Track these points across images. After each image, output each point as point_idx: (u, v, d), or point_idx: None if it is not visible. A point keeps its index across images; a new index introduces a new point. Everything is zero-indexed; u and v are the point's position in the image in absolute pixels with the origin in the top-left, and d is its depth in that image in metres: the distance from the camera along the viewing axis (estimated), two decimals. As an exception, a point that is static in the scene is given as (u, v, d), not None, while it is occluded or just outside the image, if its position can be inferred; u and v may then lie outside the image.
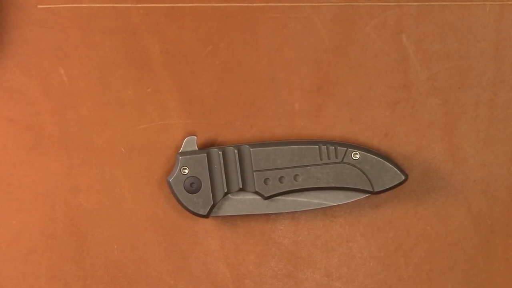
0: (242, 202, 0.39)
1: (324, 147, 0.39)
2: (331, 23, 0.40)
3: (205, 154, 0.39)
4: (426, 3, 0.41)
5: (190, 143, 0.39)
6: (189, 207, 0.39)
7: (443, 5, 0.41)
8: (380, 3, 0.41)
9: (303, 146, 0.39)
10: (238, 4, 0.40)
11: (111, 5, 0.40)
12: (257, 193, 0.39)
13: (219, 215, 0.39)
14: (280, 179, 0.39)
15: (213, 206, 0.39)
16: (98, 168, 0.40)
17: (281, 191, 0.39)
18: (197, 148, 0.39)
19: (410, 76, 0.41)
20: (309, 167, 0.39)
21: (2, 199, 0.40)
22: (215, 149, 0.39)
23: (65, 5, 0.40)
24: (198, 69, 0.40)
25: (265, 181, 0.38)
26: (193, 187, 0.39)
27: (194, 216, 0.39)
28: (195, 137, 0.39)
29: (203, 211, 0.39)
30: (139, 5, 0.40)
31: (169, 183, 0.39)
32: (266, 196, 0.39)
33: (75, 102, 0.40)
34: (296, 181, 0.39)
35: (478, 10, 0.41)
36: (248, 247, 0.41)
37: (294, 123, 0.41)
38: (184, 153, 0.39)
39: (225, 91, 0.40)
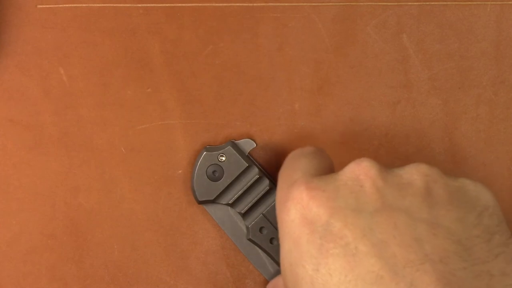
0: (231, 221, 0.39)
1: None
2: (331, 23, 0.40)
3: (247, 165, 0.38)
4: (427, 3, 0.41)
5: (247, 145, 0.39)
6: (194, 185, 0.39)
7: (443, 5, 0.41)
8: (380, 3, 0.40)
9: None
10: (238, 4, 0.40)
11: (111, 5, 0.40)
12: (247, 228, 0.39)
13: (206, 210, 0.40)
14: (271, 240, 0.38)
15: (210, 201, 0.39)
16: (98, 168, 0.40)
17: (262, 246, 0.39)
18: (247, 154, 0.39)
19: (410, 76, 0.41)
20: None
21: (2, 199, 0.40)
22: (257, 169, 0.38)
23: (65, 5, 0.40)
24: (198, 69, 0.40)
25: (261, 229, 0.38)
26: (214, 174, 0.39)
27: (193, 215, 0.39)
28: (255, 145, 0.39)
29: (200, 197, 0.39)
30: (139, 5, 0.40)
31: (201, 153, 0.39)
32: (249, 237, 0.39)
33: (75, 102, 0.40)
34: None
35: (479, 10, 0.41)
36: (248, 247, 0.41)
37: (294, 123, 0.41)
38: (235, 146, 0.39)
39: (225, 91, 0.40)
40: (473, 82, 0.41)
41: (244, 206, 0.39)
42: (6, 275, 0.40)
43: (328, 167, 0.35)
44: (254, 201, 0.38)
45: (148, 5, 0.40)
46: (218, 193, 0.39)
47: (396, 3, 0.41)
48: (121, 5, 0.40)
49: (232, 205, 0.39)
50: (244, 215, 0.39)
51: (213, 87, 0.40)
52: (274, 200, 0.38)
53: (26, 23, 0.40)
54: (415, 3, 0.41)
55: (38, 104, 0.40)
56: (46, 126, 0.40)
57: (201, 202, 0.39)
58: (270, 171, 0.40)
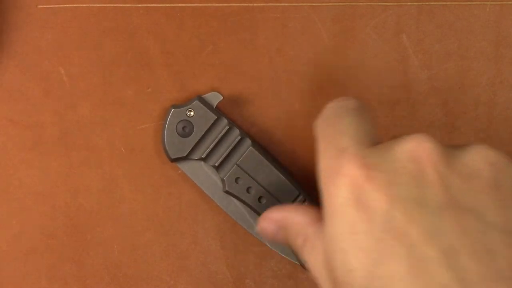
0: (206, 176, 0.39)
1: (301, 197, 0.38)
2: (331, 23, 0.40)
3: (216, 117, 0.38)
4: (426, 3, 0.41)
5: (214, 98, 0.39)
6: (166, 143, 0.39)
7: (443, 5, 0.41)
8: (380, 3, 0.41)
9: (289, 184, 0.38)
10: (238, 4, 0.40)
11: (111, 5, 0.40)
12: (222, 180, 0.39)
13: (180, 168, 0.40)
14: (248, 189, 0.38)
15: (183, 158, 0.39)
16: (98, 168, 0.40)
17: (239, 196, 0.39)
18: (214, 107, 0.39)
19: (410, 76, 0.41)
20: (276, 200, 0.38)
21: (2, 199, 0.40)
22: (226, 121, 0.39)
23: (65, 5, 0.40)
24: (198, 69, 0.40)
25: (236, 179, 0.38)
26: (184, 130, 0.39)
27: (193, 215, 0.39)
28: (222, 97, 0.39)
29: (172, 154, 0.39)
30: (139, 5, 0.40)
31: (169, 111, 0.39)
32: (226, 190, 0.39)
33: (75, 102, 0.40)
34: (259, 202, 0.38)
35: (478, 10, 0.41)
36: (248, 247, 0.41)
37: (294, 123, 0.41)
38: (203, 100, 0.39)
39: (225, 91, 0.40)
40: (472, 82, 0.41)
41: (217, 158, 0.38)
42: (6, 275, 0.40)
43: (374, 127, 0.32)
44: (226, 152, 0.38)
45: (148, 5, 0.40)
46: (190, 148, 0.38)
47: (396, 3, 0.41)
48: (121, 5, 0.40)
49: (205, 159, 0.39)
50: (218, 168, 0.39)
51: (213, 87, 0.40)
52: (247, 150, 0.38)
53: (27, 23, 0.40)
54: (414, 3, 0.41)
55: (38, 104, 0.40)
56: (46, 126, 0.40)
57: (174, 160, 0.39)
58: (240, 123, 0.40)
